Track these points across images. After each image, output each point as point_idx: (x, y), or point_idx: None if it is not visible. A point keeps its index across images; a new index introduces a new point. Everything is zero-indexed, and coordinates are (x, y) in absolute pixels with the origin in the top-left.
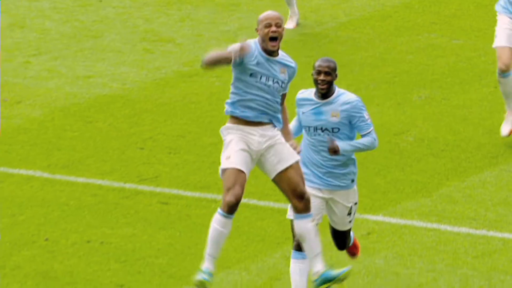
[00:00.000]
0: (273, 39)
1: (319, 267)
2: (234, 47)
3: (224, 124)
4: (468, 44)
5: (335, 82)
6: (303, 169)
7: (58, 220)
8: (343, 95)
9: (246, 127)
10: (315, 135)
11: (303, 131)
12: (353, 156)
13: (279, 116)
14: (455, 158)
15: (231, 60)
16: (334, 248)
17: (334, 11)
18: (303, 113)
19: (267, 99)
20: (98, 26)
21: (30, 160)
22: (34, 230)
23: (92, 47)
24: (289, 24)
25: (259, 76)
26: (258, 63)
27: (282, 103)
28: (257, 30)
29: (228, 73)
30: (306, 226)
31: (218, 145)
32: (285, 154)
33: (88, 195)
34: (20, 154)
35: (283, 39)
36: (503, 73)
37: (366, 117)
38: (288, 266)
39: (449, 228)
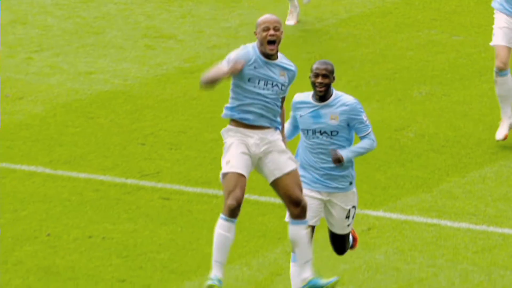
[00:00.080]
0: (271, 42)
1: (307, 274)
2: (229, 60)
3: (225, 121)
4: (468, 40)
5: (333, 84)
6: (301, 172)
7: (60, 216)
8: (341, 98)
9: (246, 130)
10: (313, 138)
11: (301, 134)
12: (351, 166)
13: (279, 119)
14: (455, 154)
15: (228, 76)
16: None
17: (335, 8)
18: (300, 116)
19: (266, 102)
20: (100, 22)
21: (32, 155)
22: (36, 225)
23: (94, 43)
24: (290, 21)
25: (257, 81)
26: (255, 68)
27: (281, 106)
28: (255, 33)
29: None
30: (299, 233)
31: (219, 141)
32: (284, 161)
33: (90, 191)
34: (22, 150)
35: (285, 36)
36: (501, 71)
37: (365, 119)
38: (289, 261)
39: (449, 223)
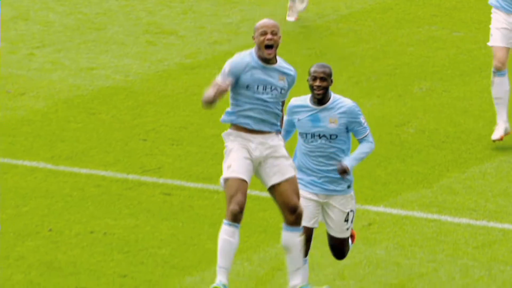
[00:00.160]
0: (269, 47)
1: (297, 281)
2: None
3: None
4: (468, 36)
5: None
6: (298, 175)
7: (61, 211)
8: (339, 101)
9: (247, 135)
10: (312, 141)
11: (299, 137)
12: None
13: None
14: (455, 149)
15: (226, 90)
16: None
17: (335, 4)
18: (299, 120)
19: (266, 106)
20: (101, 18)
21: (34, 151)
22: (38, 220)
23: (95, 39)
24: (290, 17)
25: (255, 87)
26: (252, 74)
27: (281, 109)
28: (253, 38)
29: None
30: (293, 240)
31: (220, 136)
32: (283, 167)
33: (92, 186)
34: (24, 146)
35: (285, 32)
36: (499, 71)
37: (363, 121)
38: None
39: (449, 218)
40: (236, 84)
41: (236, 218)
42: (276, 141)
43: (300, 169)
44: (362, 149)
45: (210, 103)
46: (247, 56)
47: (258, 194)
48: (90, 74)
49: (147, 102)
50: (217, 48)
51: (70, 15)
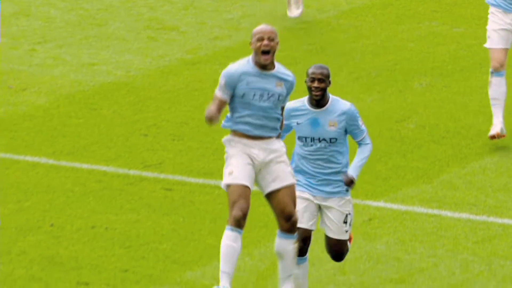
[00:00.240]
0: (265, 52)
1: (287, 287)
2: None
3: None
4: (468, 32)
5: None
6: (296, 177)
7: (63, 206)
8: (337, 103)
9: (248, 141)
10: (312, 145)
11: (297, 141)
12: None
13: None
14: (455, 144)
15: (226, 102)
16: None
17: None
18: (298, 123)
19: (265, 112)
20: (102, 14)
21: (36, 146)
22: (40, 216)
23: (97, 35)
24: (293, 13)
25: (251, 95)
26: (248, 83)
27: (281, 114)
28: (250, 43)
29: (232, 60)
30: (287, 247)
31: (221, 131)
32: (282, 174)
33: (93, 181)
34: (26, 141)
35: (286, 28)
36: (497, 71)
37: (361, 123)
38: None
39: (449, 214)
40: (233, 93)
41: (239, 223)
42: (278, 146)
43: (298, 171)
44: (363, 153)
45: (212, 120)
46: (242, 64)
47: (258, 189)
48: (92, 69)
49: (148, 98)
50: (218, 44)
51: (71, 11)
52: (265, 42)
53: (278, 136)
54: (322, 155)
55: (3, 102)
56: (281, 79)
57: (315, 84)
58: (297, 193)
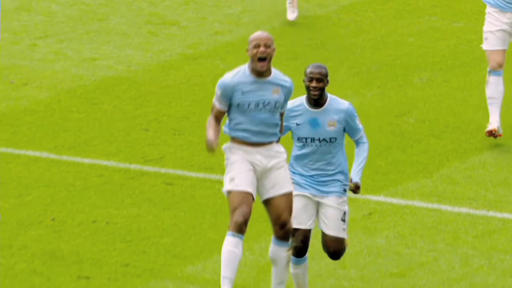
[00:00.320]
0: (262, 59)
1: None
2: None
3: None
4: (468, 27)
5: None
6: (294, 176)
7: (64, 201)
8: (335, 102)
9: (248, 148)
10: (312, 145)
11: (295, 142)
12: (345, 171)
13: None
14: (455, 139)
15: (224, 111)
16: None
17: None
18: (297, 124)
19: (262, 119)
20: (103, 9)
21: (37, 141)
22: (41, 210)
23: (98, 30)
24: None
25: (247, 104)
26: (243, 93)
27: (280, 119)
28: (247, 50)
29: (232, 55)
30: (280, 254)
31: (222, 126)
32: (282, 180)
33: (94, 176)
34: (27, 136)
35: (286, 23)
36: (495, 70)
37: (358, 122)
38: None
39: (449, 208)
40: (230, 103)
41: (240, 229)
42: (279, 151)
43: (295, 170)
44: (362, 154)
45: (213, 150)
46: (237, 74)
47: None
48: (93, 64)
49: (149, 92)
50: (218, 39)
51: (72, 6)
52: (262, 49)
53: (278, 141)
54: (320, 155)
55: (4, 97)
56: (277, 85)
57: (313, 83)
58: (295, 193)
